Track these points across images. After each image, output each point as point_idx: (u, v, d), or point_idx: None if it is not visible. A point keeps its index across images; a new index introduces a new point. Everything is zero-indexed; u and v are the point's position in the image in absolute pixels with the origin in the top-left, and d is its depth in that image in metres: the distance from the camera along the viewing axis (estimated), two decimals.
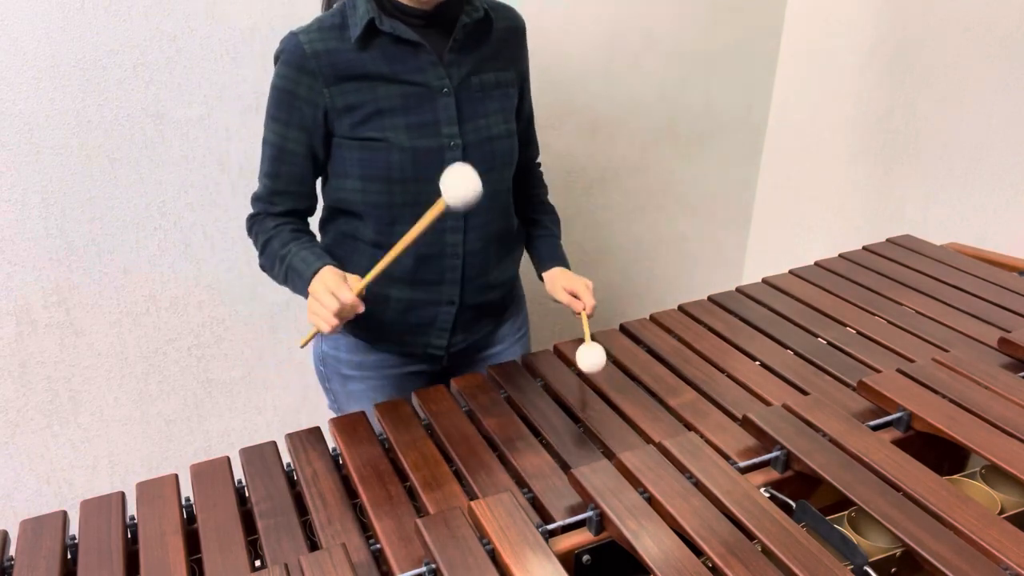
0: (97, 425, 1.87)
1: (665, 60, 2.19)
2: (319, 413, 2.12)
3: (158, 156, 1.70)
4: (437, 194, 1.20)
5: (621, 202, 2.32)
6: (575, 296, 1.30)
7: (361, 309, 1.08)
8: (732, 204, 2.54)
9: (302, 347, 1.21)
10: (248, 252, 1.86)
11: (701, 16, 2.19)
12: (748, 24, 2.27)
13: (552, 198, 1.93)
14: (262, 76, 1.73)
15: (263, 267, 1.27)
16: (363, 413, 1.21)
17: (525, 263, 1.46)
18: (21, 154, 1.60)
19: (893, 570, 0.87)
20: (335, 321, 1.06)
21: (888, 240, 1.68)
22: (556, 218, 1.48)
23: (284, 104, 1.19)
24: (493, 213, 1.30)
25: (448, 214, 1.10)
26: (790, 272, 1.57)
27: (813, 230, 2.38)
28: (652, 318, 1.44)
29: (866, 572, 0.83)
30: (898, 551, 0.85)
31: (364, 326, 1.32)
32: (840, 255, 1.63)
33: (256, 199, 1.27)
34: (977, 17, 1.80)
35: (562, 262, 1.40)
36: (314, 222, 1.34)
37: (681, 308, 1.47)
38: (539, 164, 1.49)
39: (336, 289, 1.06)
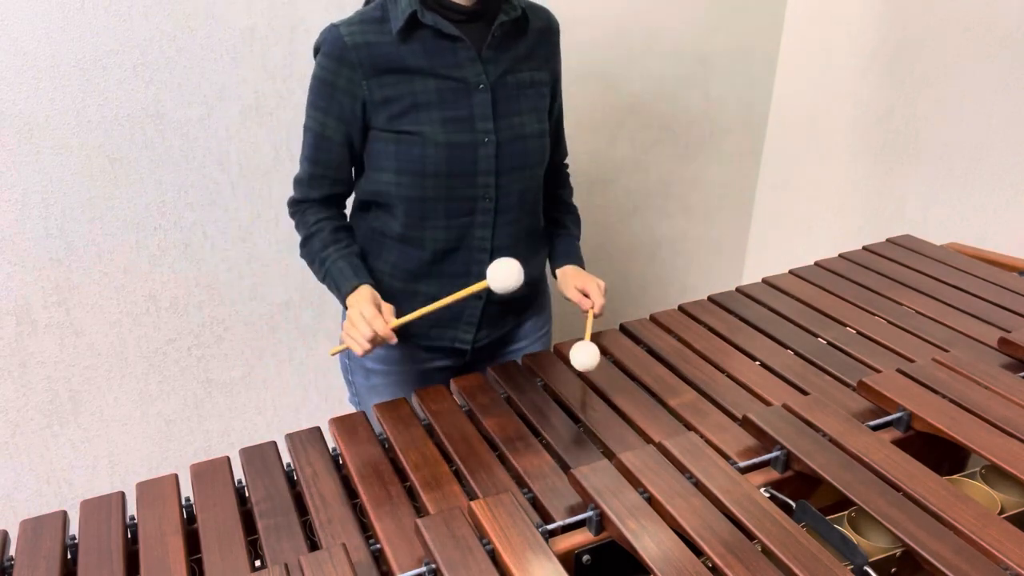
0: (97, 425, 1.87)
1: (665, 60, 2.19)
2: (319, 413, 2.12)
3: (158, 156, 1.70)
4: (469, 188, 1.24)
5: (621, 202, 2.32)
6: (585, 295, 1.31)
7: (393, 341, 1.12)
8: (732, 204, 2.54)
9: (332, 355, 1.27)
10: (248, 252, 1.87)
11: (702, 16, 2.19)
12: (748, 24, 2.27)
13: None
14: (262, 76, 1.73)
15: (303, 257, 1.31)
16: (363, 413, 1.21)
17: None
18: (21, 154, 1.60)
19: (893, 570, 0.87)
20: (368, 347, 1.11)
21: (888, 240, 1.68)
22: (577, 219, 1.50)
23: (324, 94, 1.21)
24: (523, 210, 1.31)
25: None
26: (790, 272, 1.57)
27: (813, 230, 2.38)
28: (652, 318, 1.44)
29: (866, 572, 0.83)
30: (898, 551, 0.85)
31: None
32: (840, 255, 1.63)
33: (298, 182, 1.30)
34: (977, 17, 1.80)
35: (577, 261, 1.41)
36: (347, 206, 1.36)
37: (681, 308, 1.47)
38: (567, 166, 1.51)
39: (372, 320, 1.11)
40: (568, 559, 0.90)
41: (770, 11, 2.29)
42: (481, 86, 1.21)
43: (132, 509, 1.04)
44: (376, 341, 1.12)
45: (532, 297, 1.45)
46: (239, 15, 1.67)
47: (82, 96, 1.60)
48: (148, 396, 1.90)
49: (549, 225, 1.46)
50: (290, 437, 1.16)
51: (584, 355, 1.20)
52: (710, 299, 1.49)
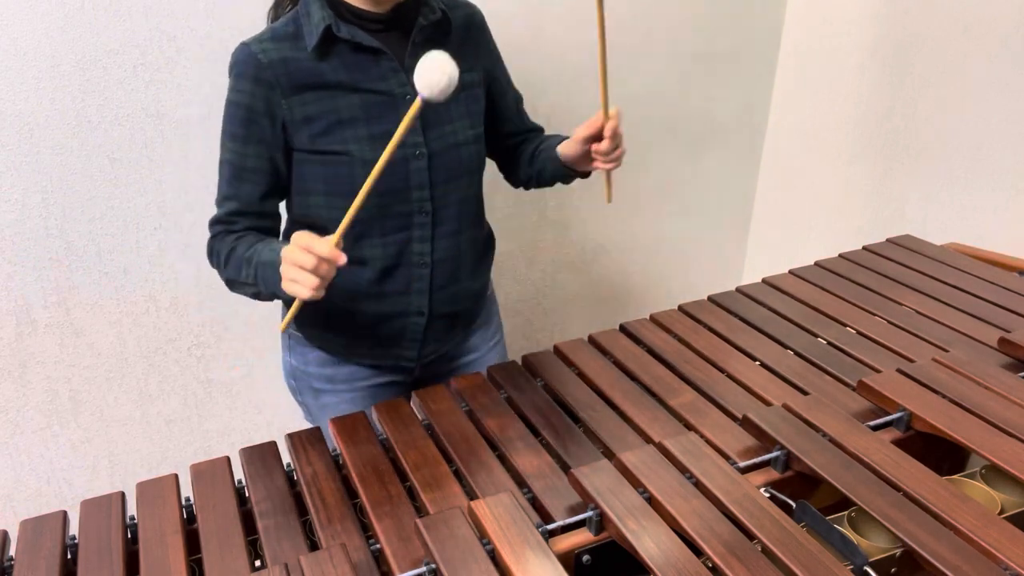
0: (97, 425, 1.87)
1: (665, 60, 2.19)
2: None
3: (158, 156, 1.70)
4: (404, 204, 1.18)
5: (621, 202, 2.32)
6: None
7: (343, 261, 0.98)
8: (732, 204, 2.54)
9: (283, 330, 1.14)
10: None
11: (701, 17, 2.19)
12: (748, 24, 2.27)
13: (553, 198, 1.92)
14: None
15: (229, 281, 1.20)
16: (363, 413, 1.20)
17: (496, 271, 1.43)
18: (21, 154, 1.60)
19: (893, 570, 0.87)
20: (315, 281, 0.98)
21: (888, 240, 1.68)
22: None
23: (241, 120, 1.14)
24: (463, 220, 1.27)
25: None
26: (790, 272, 1.57)
27: (813, 230, 2.38)
28: (652, 318, 1.44)
29: (866, 572, 0.83)
30: (898, 551, 0.85)
31: (333, 340, 1.30)
32: (840, 255, 1.63)
33: (215, 223, 1.20)
34: (977, 17, 1.80)
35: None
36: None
37: (681, 308, 1.46)
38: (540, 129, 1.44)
39: (309, 244, 0.97)
40: (568, 559, 0.90)
41: (770, 11, 2.29)
42: (407, 97, 1.15)
43: (132, 509, 1.04)
44: (322, 270, 0.97)
45: (478, 309, 1.41)
46: (239, 15, 1.67)
47: (82, 96, 1.60)
48: (148, 396, 1.90)
49: (536, 150, 1.38)
50: (290, 437, 1.16)
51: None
52: (710, 299, 1.49)
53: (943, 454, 1.06)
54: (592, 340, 1.38)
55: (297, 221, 1.26)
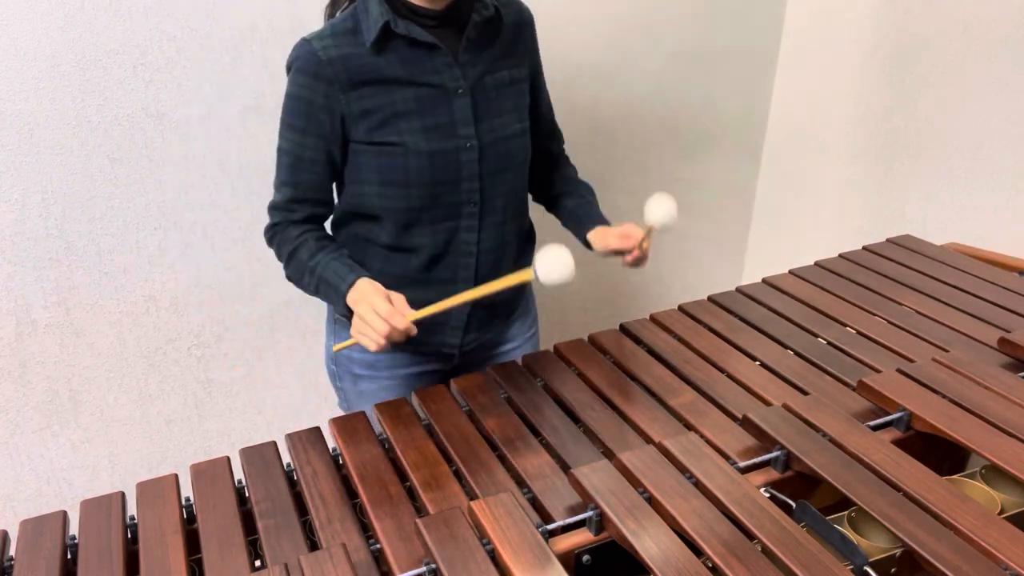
0: (97, 425, 1.87)
1: (665, 60, 2.19)
2: (319, 413, 2.12)
3: (158, 156, 1.70)
4: (454, 194, 1.22)
5: (621, 202, 2.32)
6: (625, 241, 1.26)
7: (414, 333, 1.08)
8: (732, 204, 2.54)
9: (337, 351, 1.25)
10: (248, 252, 1.87)
11: (701, 16, 2.19)
12: (748, 24, 2.27)
13: None
14: (262, 76, 1.73)
15: (290, 278, 1.27)
16: (363, 413, 1.21)
17: None
18: (21, 154, 1.60)
19: (893, 570, 0.87)
20: (383, 343, 1.06)
21: (888, 240, 1.68)
22: (591, 188, 1.45)
23: (301, 113, 1.18)
24: (509, 212, 1.30)
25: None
26: (790, 272, 1.57)
27: (813, 230, 2.38)
28: (652, 318, 1.44)
29: (866, 572, 0.83)
30: (898, 551, 0.85)
31: None
32: (840, 255, 1.63)
33: (274, 208, 1.26)
34: (977, 17, 1.80)
35: (604, 223, 1.34)
36: (327, 223, 1.34)
37: (681, 308, 1.47)
38: (564, 153, 1.49)
39: (389, 316, 1.06)
40: (568, 559, 0.90)
41: (770, 11, 2.29)
42: (460, 91, 1.19)
43: (132, 509, 1.04)
44: (394, 337, 1.07)
45: (519, 299, 1.44)
46: (239, 15, 1.67)
47: (82, 96, 1.60)
48: (148, 396, 1.90)
49: (562, 199, 1.42)
50: (290, 437, 1.16)
51: (662, 205, 1.15)
52: (710, 299, 1.49)
53: (943, 454, 1.06)
54: (592, 340, 1.38)
55: (348, 209, 1.29)
